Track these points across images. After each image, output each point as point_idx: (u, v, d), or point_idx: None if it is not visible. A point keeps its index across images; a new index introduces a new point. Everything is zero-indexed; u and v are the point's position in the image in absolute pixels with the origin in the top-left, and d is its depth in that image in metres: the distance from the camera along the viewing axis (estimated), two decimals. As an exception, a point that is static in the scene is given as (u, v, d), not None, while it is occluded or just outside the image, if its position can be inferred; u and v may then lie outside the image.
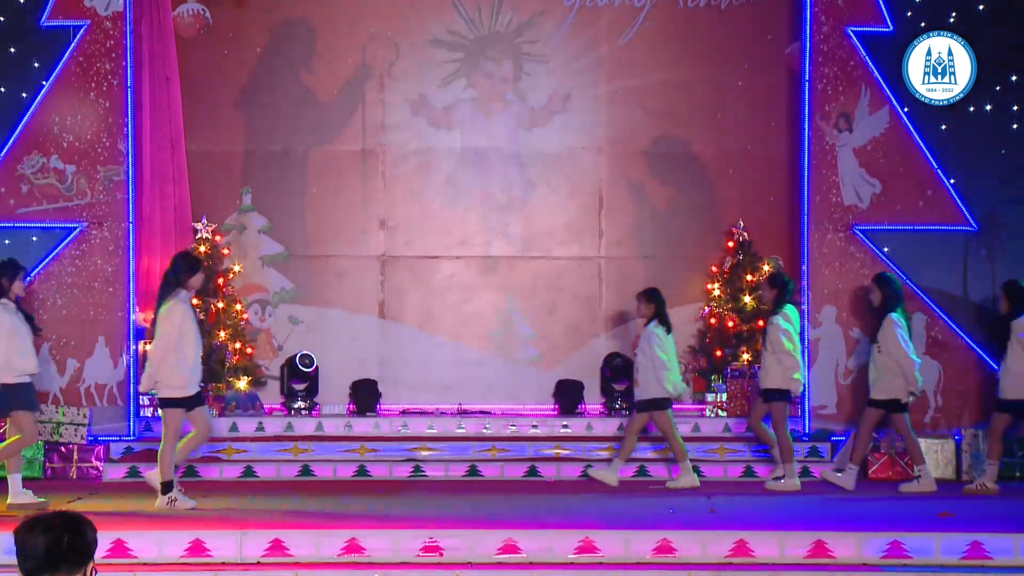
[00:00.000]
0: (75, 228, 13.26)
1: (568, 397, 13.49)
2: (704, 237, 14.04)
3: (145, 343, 12.22)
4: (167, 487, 10.01)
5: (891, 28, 13.57)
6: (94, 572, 4.37)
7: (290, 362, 13.19)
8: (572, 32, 14.20)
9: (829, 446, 12.83)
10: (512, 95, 14.25)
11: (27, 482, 11.93)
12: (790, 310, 11.87)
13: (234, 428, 12.64)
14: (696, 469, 11.95)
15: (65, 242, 13.27)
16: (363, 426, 12.89)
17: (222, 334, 13.18)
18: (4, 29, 13.45)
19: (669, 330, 11.86)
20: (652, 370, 11.67)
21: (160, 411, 10.46)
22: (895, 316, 11.65)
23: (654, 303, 11.92)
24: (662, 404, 11.72)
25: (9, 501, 9.98)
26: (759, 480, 12.16)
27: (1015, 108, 13.73)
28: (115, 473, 11.93)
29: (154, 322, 10.34)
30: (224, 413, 12.91)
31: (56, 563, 4.27)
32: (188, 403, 10.15)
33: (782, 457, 11.70)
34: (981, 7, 13.71)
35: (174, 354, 10.01)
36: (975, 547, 8.43)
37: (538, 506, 9.94)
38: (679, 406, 12.42)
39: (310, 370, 13.13)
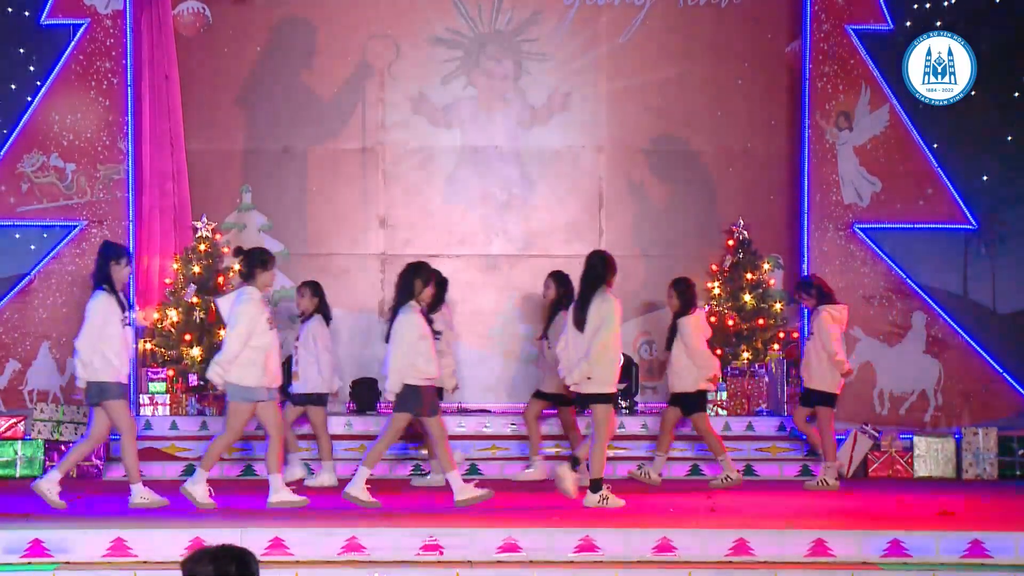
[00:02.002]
0: (75, 226, 13.28)
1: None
2: (704, 235, 14.04)
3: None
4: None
5: (891, 27, 13.59)
6: None
7: (290, 361, 13.16)
8: (572, 30, 14.20)
9: (829, 445, 12.81)
10: (512, 94, 14.26)
11: (27, 480, 11.95)
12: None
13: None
14: (696, 468, 11.95)
15: (65, 240, 13.27)
16: (363, 425, 12.89)
17: (222, 333, 13.16)
18: (4, 28, 13.44)
19: None
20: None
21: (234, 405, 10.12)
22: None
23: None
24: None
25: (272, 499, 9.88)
26: (760, 479, 12.17)
27: (1015, 108, 13.73)
28: (115, 472, 11.91)
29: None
30: (224, 412, 12.89)
31: None
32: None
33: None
34: (981, 7, 13.70)
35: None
36: (975, 546, 8.43)
37: (538, 505, 9.94)
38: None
39: (310, 369, 13.09)
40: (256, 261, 9.97)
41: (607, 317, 10.00)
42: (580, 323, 10.11)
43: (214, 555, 4.45)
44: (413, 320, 9.99)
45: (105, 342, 9.84)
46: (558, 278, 11.82)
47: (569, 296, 11.28)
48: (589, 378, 10.02)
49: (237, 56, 14.09)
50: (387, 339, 10.15)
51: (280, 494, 9.82)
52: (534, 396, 11.98)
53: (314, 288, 11.87)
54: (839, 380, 11.64)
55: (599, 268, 10.22)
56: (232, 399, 9.93)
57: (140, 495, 9.90)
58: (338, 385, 11.95)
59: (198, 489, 9.76)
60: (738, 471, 11.57)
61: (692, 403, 11.54)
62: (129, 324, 10.07)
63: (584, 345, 10.02)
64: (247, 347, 9.76)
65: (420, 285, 10.20)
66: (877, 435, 12.82)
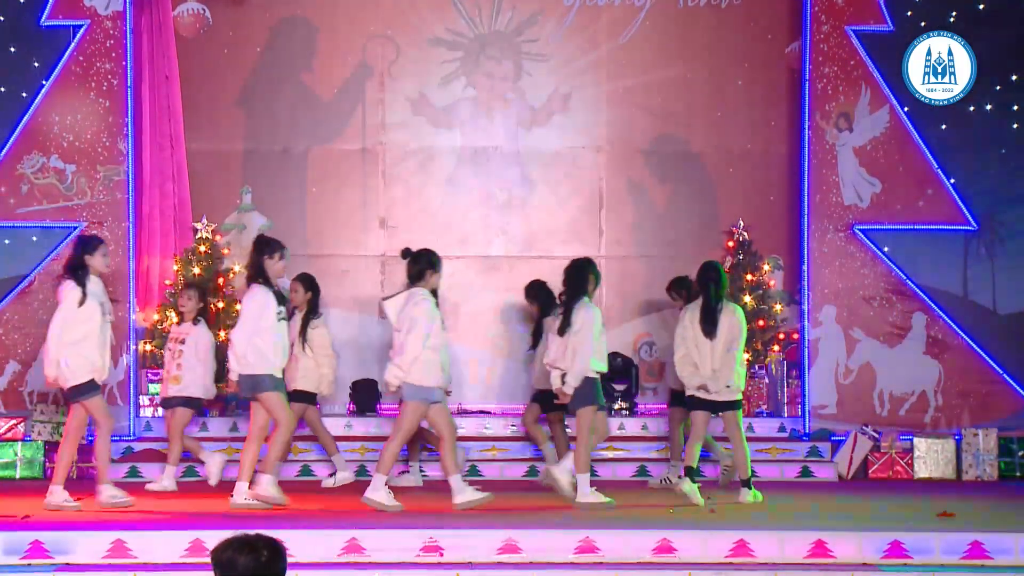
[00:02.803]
0: (75, 227, 13.27)
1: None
2: (704, 236, 14.03)
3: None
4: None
5: (891, 28, 13.59)
6: None
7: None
8: (572, 31, 14.20)
9: (829, 446, 12.83)
10: (512, 94, 14.26)
11: (27, 482, 11.96)
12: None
13: (234, 428, 12.63)
14: (696, 470, 11.91)
15: (65, 241, 13.26)
16: (363, 426, 12.89)
17: (222, 334, 13.16)
18: (4, 29, 13.45)
19: None
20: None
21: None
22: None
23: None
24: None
25: (456, 501, 9.80)
26: (759, 480, 12.14)
27: (1015, 108, 13.74)
28: (115, 473, 11.86)
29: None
30: (224, 413, 12.90)
31: None
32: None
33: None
34: (981, 7, 13.71)
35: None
36: (975, 547, 8.42)
37: (538, 506, 9.94)
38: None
39: (310, 370, 13.09)
40: (426, 263, 9.94)
41: (582, 325, 10.12)
42: (562, 330, 10.26)
43: (249, 543, 4.49)
44: (595, 314, 10.21)
45: (260, 335, 9.81)
46: (532, 291, 11.91)
47: (551, 302, 11.42)
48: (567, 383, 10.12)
49: (237, 57, 14.09)
50: (561, 332, 10.24)
51: (465, 494, 9.77)
52: (532, 400, 12.01)
53: (307, 282, 11.79)
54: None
55: (576, 276, 10.36)
56: (410, 399, 9.85)
57: (267, 487, 9.87)
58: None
59: (380, 495, 9.68)
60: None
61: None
62: (285, 319, 10.07)
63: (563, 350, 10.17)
64: (425, 348, 9.77)
65: (592, 281, 10.31)
66: (877, 436, 12.82)
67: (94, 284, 9.86)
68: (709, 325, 10.43)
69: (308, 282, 11.79)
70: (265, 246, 10.13)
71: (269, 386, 9.86)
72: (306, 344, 11.55)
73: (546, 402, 11.43)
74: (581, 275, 10.39)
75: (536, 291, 11.96)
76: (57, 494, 9.75)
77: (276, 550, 4.52)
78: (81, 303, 9.74)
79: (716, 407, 10.56)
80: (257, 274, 9.99)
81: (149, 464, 11.86)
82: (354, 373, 13.57)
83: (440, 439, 9.98)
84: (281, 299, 10.04)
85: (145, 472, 11.75)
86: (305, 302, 11.70)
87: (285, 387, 10.16)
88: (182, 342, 11.40)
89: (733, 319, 10.46)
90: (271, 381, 9.86)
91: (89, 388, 9.79)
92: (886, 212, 13.59)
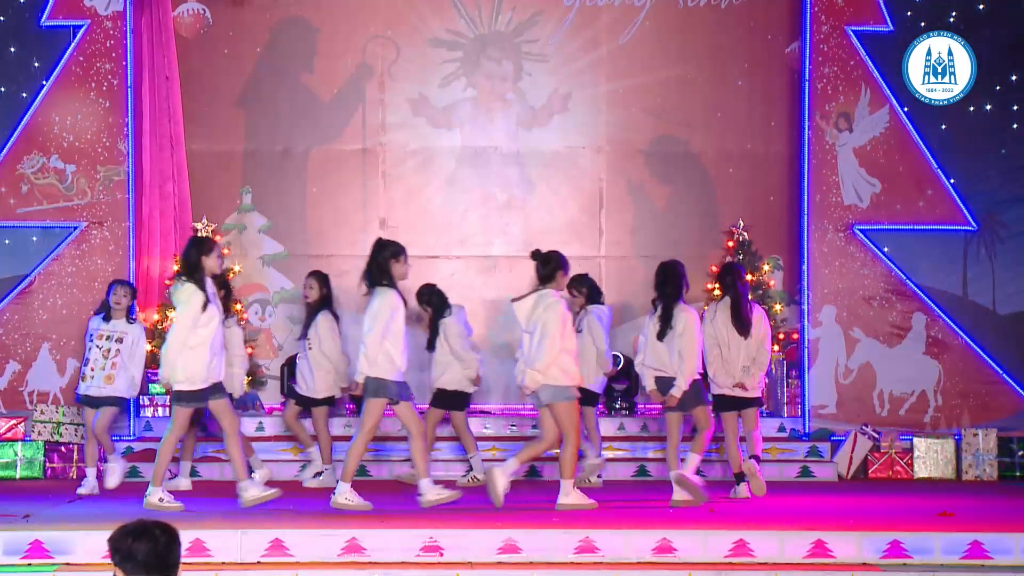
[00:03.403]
0: (75, 228, 13.29)
1: (568, 397, 13.46)
2: (704, 236, 14.04)
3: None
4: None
5: (891, 28, 13.60)
6: None
7: (290, 362, 13.17)
8: (572, 31, 14.20)
9: (829, 446, 12.83)
10: (512, 95, 14.26)
11: (27, 482, 11.97)
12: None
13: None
14: (697, 471, 11.92)
15: (65, 242, 13.29)
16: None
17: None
18: (4, 29, 13.46)
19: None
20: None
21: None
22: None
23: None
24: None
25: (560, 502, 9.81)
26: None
27: (1015, 108, 13.75)
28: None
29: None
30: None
31: (158, 567, 4.58)
32: None
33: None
34: (981, 7, 13.72)
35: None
36: (975, 547, 8.42)
37: (538, 506, 9.94)
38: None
39: (310, 370, 13.09)
40: (556, 264, 9.99)
41: (685, 327, 10.20)
42: (663, 334, 10.41)
43: (145, 530, 4.58)
44: (696, 316, 10.44)
45: (390, 339, 9.76)
46: (423, 296, 11.94)
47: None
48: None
49: (237, 57, 14.09)
50: (661, 336, 10.37)
51: (571, 496, 9.78)
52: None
53: (322, 279, 11.76)
54: (602, 378, 11.62)
55: (674, 278, 10.50)
56: (555, 400, 9.86)
57: (430, 491, 9.82)
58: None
59: (572, 498, 9.76)
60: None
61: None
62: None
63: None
64: (562, 351, 9.82)
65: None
66: (877, 436, 12.83)
67: (210, 287, 9.76)
68: (742, 324, 10.55)
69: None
70: (389, 248, 9.95)
71: (392, 392, 9.77)
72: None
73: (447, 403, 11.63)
74: (678, 277, 10.54)
75: (429, 296, 11.89)
76: (155, 494, 9.67)
77: (172, 536, 4.60)
78: (204, 308, 9.60)
79: (741, 404, 10.64)
80: (382, 276, 9.82)
81: (150, 464, 11.83)
82: (354, 373, 13.53)
83: (565, 440, 9.85)
84: (406, 301, 9.97)
85: (145, 472, 11.73)
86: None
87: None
88: (119, 340, 11.03)
89: (762, 317, 10.72)
90: (395, 388, 9.77)
91: (207, 394, 9.68)
92: (886, 212, 13.60)
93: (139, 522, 4.61)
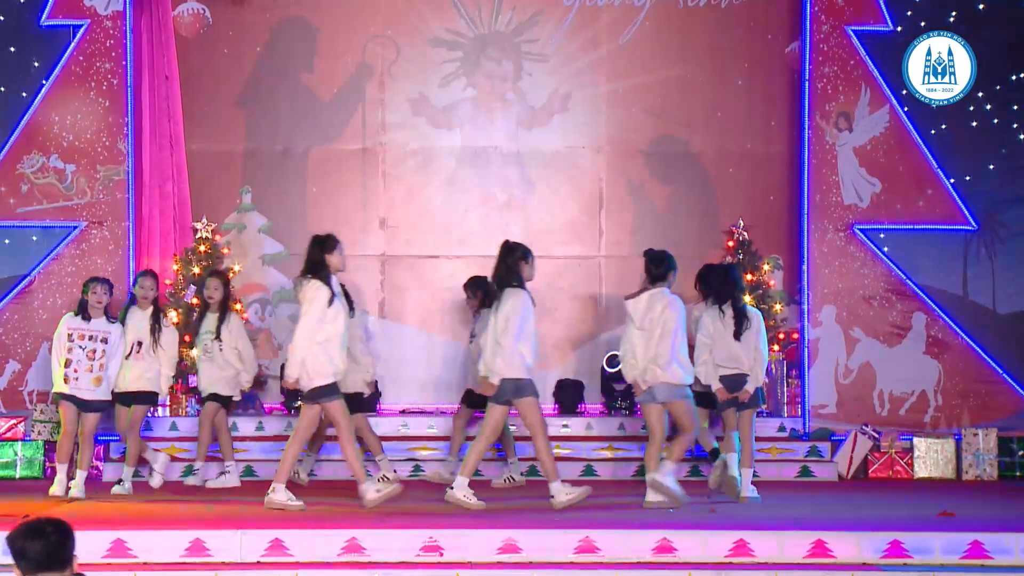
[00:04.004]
0: (75, 227, 13.29)
1: (568, 396, 13.49)
2: (704, 236, 14.03)
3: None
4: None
5: (891, 28, 13.59)
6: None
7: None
8: (572, 31, 14.20)
9: (829, 445, 12.83)
10: (512, 94, 14.26)
11: (27, 482, 11.97)
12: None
13: (234, 427, 12.60)
14: (696, 470, 11.94)
15: (65, 241, 13.28)
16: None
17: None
18: (4, 29, 13.45)
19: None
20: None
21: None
22: None
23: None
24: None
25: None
26: (759, 480, 12.14)
27: (1015, 108, 13.74)
28: (114, 473, 11.90)
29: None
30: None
31: (51, 564, 4.70)
32: None
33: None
34: (981, 7, 13.71)
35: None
36: (975, 547, 8.42)
37: (538, 506, 9.94)
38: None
39: (310, 369, 13.09)
40: (671, 264, 10.32)
41: (668, 320, 10.21)
42: (740, 332, 10.60)
43: (36, 528, 4.67)
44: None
45: (523, 341, 9.88)
46: (473, 286, 11.98)
47: (491, 297, 11.49)
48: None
49: (237, 57, 14.09)
50: (739, 335, 10.59)
51: (662, 487, 9.96)
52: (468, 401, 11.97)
53: (477, 284, 11.93)
54: None
55: (733, 280, 10.71)
56: (671, 399, 10.06)
57: (563, 492, 9.89)
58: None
59: (659, 493, 9.98)
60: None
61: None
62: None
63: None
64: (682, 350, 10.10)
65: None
66: (877, 436, 12.83)
67: (335, 283, 9.80)
68: (742, 325, 10.62)
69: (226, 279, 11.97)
70: (518, 250, 10.18)
71: (530, 391, 9.92)
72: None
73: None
74: (735, 278, 10.86)
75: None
76: (280, 492, 9.68)
77: (64, 532, 4.69)
78: (330, 303, 9.66)
79: (741, 403, 10.67)
80: (512, 278, 10.02)
81: (149, 464, 11.84)
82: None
83: (652, 436, 10.15)
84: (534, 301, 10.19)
85: (144, 472, 11.73)
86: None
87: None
88: (104, 341, 10.70)
89: (758, 316, 10.82)
90: (530, 387, 9.93)
91: (331, 390, 9.72)
92: (886, 212, 13.60)
93: (34, 520, 4.69)
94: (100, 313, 10.75)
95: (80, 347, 10.64)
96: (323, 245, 9.86)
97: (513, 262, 10.07)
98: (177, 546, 8.34)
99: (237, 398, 11.88)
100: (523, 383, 9.89)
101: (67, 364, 10.62)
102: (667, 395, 10.03)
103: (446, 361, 13.94)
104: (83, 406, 10.70)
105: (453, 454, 11.90)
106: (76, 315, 10.76)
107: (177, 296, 13.17)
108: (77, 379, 10.62)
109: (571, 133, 14.25)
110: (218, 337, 11.55)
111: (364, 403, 11.84)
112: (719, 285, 10.78)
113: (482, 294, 11.67)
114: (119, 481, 11.10)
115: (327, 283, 9.70)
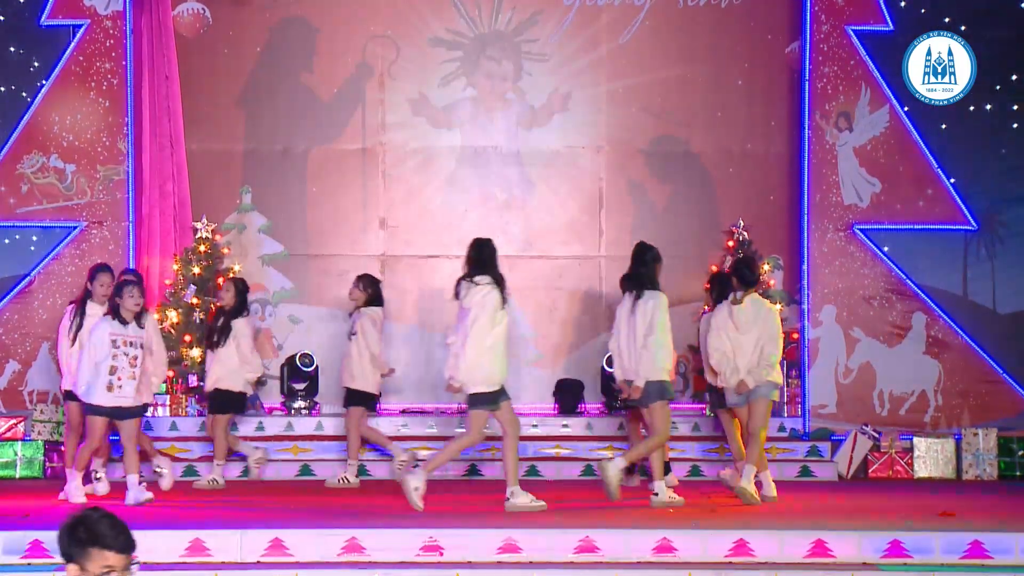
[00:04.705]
0: (75, 227, 13.29)
1: (568, 396, 13.50)
2: (704, 236, 14.03)
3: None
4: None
5: (891, 28, 13.59)
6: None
7: (290, 361, 13.19)
8: (572, 31, 14.20)
9: (829, 445, 12.83)
10: (512, 94, 14.26)
11: (27, 481, 11.97)
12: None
13: (234, 427, 12.60)
14: (696, 469, 11.94)
15: (65, 241, 13.28)
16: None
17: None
18: (4, 29, 13.45)
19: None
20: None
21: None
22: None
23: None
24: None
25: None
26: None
27: (1015, 108, 13.74)
28: (114, 473, 11.90)
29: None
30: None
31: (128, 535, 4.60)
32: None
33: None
34: (981, 7, 13.71)
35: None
36: (975, 546, 8.42)
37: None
38: (677, 405, 12.40)
39: (310, 370, 13.13)
40: (757, 271, 10.71)
41: (770, 323, 10.44)
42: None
43: (83, 516, 4.57)
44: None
45: (666, 344, 10.01)
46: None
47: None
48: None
49: (237, 57, 14.09)
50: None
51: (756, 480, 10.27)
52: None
53: (366, 281, 11.87)
54: (379, 380, 11.79)
55: (750, 274, 10.72)
56: (766, 396, 10.37)
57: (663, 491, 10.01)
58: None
59: (752, 488, 10.17)
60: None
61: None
62: None
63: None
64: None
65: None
66: (877, 436, 12.83)
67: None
68: (746, 324, 10.65)
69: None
70: (652, 251, 10.24)
71: (669, 394, 10.07)
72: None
73: None
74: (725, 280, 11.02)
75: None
76: (520, 495, 9.59)
77: (110, 513, 4.60)
78: (501, 307, 9.66)
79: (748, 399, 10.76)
80: (648, 283, 10.07)
81: (148, 464, 11.83)
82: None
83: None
84: None
85: (145, 472, 11.71)
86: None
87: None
88: (140, 346, 10.13)
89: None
90: (671, 389, 10.08)
91: (496, 396, 9.67)
92: (886, 212, 13.60)
93: (72, 514, 4.59)
94: (132, 316, 10.13)
95: (125, 354, 10.04)
96: (491, 247, 9.87)
97: (651, 262, 10.16)
98: (177, 546, 8.34)
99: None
100: (666, 384, 10.01)
101: (112, 371, 10.01)
102: (767, 392, 10.39)
103: (445, 361, 13.90)
104: (121, 413, 10.14)
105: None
106: (113, 319, 10.08)
107: (177, 296, 13.17)
108: (121, 387, 10.02)
109: (571, 133, 14.24)
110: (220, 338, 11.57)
111: (243, 403, 11.84)
112: (739, 279, 10.78)
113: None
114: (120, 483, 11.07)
115: (499, 285, 9.67)
